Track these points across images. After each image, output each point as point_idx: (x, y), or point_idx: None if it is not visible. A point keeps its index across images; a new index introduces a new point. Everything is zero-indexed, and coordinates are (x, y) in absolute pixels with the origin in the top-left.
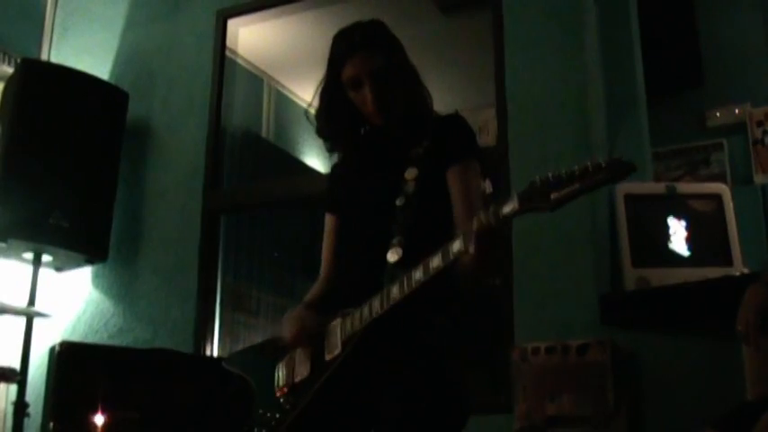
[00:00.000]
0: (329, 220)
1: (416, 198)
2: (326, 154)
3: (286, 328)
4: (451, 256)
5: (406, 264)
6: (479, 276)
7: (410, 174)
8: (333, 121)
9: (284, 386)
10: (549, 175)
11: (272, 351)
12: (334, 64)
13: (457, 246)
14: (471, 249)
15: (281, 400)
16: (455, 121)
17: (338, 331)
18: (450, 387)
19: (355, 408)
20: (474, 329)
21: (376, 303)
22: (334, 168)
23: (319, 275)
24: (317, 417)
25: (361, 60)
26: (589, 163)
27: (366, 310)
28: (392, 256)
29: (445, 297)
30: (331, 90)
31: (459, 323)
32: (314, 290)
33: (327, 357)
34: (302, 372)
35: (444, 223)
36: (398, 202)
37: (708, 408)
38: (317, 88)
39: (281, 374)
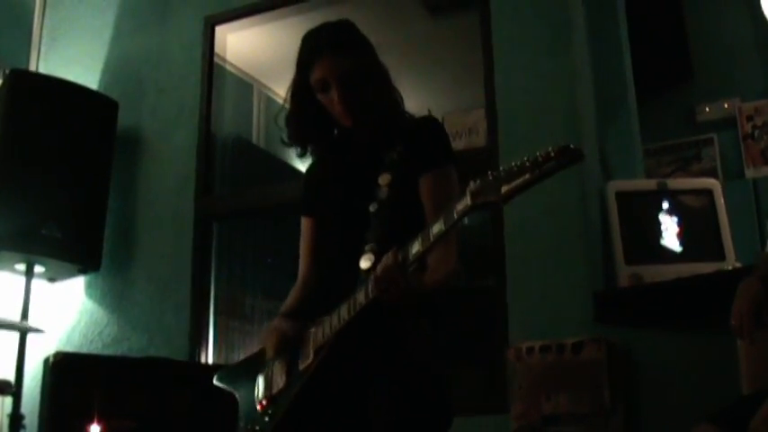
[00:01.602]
0: (305, 223)
1: (390, 204)
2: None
3: (264, 341)
4: (410, 258)
5: None
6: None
7: (384, 179)
8: (303, 124)
9: (263, 399)
10: (501, 168)
11: (257, 365)
12: (301, 66)
13: (416, 247)
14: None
15: (261, 412)
16: (429, 124)
17: (310, 340)
18: (433, 389)
19: (336, 415)
20: (455, 330)
21: (344, 310)
22: (309, 171)
23: (297, 281)
24: (296, 427)
25: (328, 62)
26: (539, 153)
27: (335, 317)
28: (365, 263)
29: (418, 299)
30: (300, 93)
31: (438, 324)
32: (291, 298)
33: (301, 367)
34: (279, 383)
35: (418, 229)
36: (372, 208)
37: (704, 402)
38: (287, 92)
39: (260, 387)
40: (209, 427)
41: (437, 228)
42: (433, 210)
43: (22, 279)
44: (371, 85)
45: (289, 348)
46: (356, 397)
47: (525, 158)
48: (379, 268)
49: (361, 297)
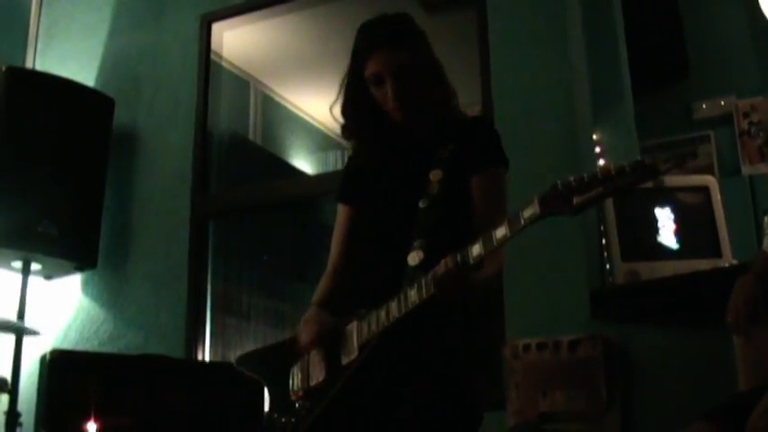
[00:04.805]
0: (342, 211)
1: (440, 200)
2: (314, 157)
3: (303, 331)
4: (471, 261)
5: (427, 267)
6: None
7: (435, 175)
8: (356, 116)
9: (299, 390)
10: (572, 178)
11: (286, 354)
12: (356, 59)
13: (477, 250)
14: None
15: (297, 405)
16: (482, 124)
17: (354, 335)
18: (464, 387)
19: (371, 411)
20: (486, 327)
21: (393, 307)
22: (351, 161)
23: (327, 268)
24: (334, 422)
25: (383, 56)
26: (612, 166)
27: (383, 313)
28: (413, 259)
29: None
30: (353, 85)
31: (473, 321)
32: (322, 285)
33: (344, 362)
34: (317, 376)
35: (467, 227)
36: (422, 204)
37: (701, 399)
38: (341, 83)
39: (295, 378)
40: (206, 425)
41: (501, 233)
42: (485, 210)
43: (19, 276)
44: (425, 82)
45: (329, 340)
46: (390, 395)
47: (596, 171)
48: (439, 269)
49: (413, 295)
